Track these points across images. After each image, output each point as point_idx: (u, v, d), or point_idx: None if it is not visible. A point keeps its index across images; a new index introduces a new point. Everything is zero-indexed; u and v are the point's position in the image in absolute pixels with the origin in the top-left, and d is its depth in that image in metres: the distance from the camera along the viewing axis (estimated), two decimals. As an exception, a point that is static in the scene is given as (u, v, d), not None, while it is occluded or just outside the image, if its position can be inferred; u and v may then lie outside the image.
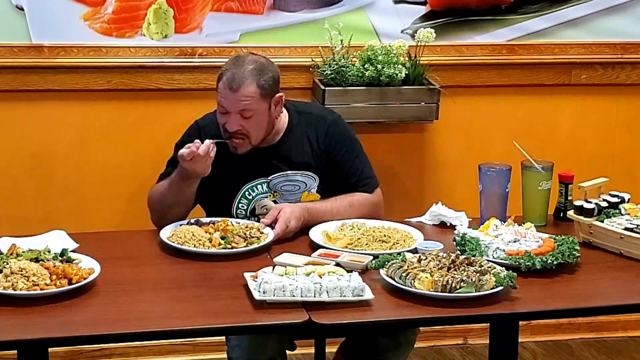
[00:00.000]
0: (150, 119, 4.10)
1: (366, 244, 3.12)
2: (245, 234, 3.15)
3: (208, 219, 3.26)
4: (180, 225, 3.21)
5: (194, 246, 3.08)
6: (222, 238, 3.10)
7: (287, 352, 3.34)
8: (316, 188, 3.47)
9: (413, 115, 4.09)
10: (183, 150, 3.22)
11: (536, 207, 3.39)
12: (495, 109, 4.37)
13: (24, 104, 4.00)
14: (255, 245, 3.11)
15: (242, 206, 3.44)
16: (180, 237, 3.11)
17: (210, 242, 3.09)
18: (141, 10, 3.98)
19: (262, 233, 3.19)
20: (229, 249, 3.08)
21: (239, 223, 3.25)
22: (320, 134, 3.47)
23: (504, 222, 3.20)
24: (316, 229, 3.23)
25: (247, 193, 3.44)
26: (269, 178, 3.43)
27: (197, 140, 3.22)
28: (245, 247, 3.10)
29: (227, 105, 3.31)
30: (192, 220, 3.24)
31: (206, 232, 3.15)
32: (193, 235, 3.11)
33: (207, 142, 3.21)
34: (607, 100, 4.45)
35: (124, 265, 3.01)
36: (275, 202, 3.43)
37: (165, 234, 3.16)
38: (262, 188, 3.44)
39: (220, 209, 3.42)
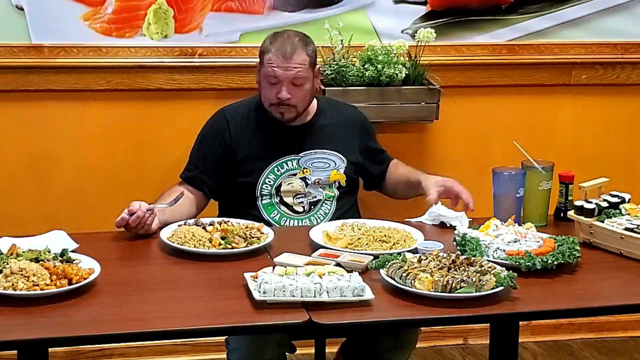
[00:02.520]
0: (150, 119, 4.10)
1: (366, 244, 3.12)
2: (245, 234, 3.15)
3: (208, 219, 3.26)
4: (180, 225, 3.21)
5: (194, 246, 3.07)
6: (222, 238, 3.10)
7: (287, 354, 3.34)
8: (343, 169, 3.57)
9: (413, 115, 4.09)
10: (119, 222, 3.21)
11: (536, 207, 3.39)
12: (495, 109, 4.37)
13: (24, 104, 4.00)
14: (255, 245, 3.11)
15: (269, 181, 3.50)
16: (181, 237, 3.10)
17: (210, 242, 3.09)
18: (141, 10, 3.99)
19: (262, 233, 3.18)
20: (229, 249, 3.08)
21: (239, 223, 3.25)
22: (356, 122, 3.65)
23: (504, 223, 3.20)
24: (316, 229, 3.23)
25: (275, 169, 3.51)
26: (300, 155, 3.52)
27: (125, 211, 3.20)
28: (245, 247, 3.09)
29: (280, 74, 3.43)
30: (191, 221, 3.23)
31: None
32: (193, 235, 3.10)
33: (140, 211, 3.18)
34: (607, 100, 4.45)
35: (124, 265, 3.01)
36: (304, 179, 3.52)
37: (166, 234, 3.16)
38: (292, 164, 3.52)
39: (245, 185, 3.50)
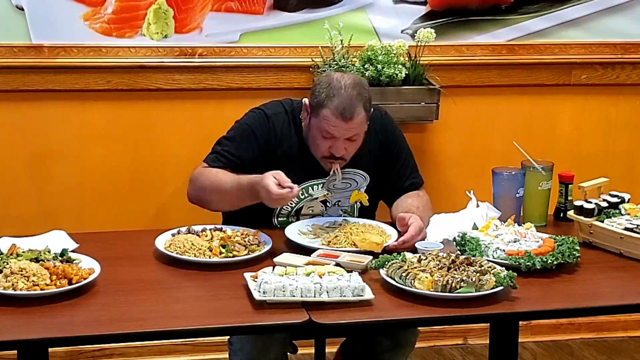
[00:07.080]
0: (150, 119, 4.10)
1: (345, 242, 3.13)
2: (244, 240, 3.11)
3: (200, 227, 3.19)
4: (173, 235, 3.15)
5: (195, 256, 3.01)
6: (223, 246, 3.06)
7: (289, 354, 3.34)
8: (365, 187, 3.45)
9: (413, 115, 4.09)
10: (276, 191, 3.09)
11: (536, 207, 3.40)
12: (495, 109, 4.37)
13: (24, 104, 4.00)
14: (257, 253, 3.06)
15: (290, 203, 3.36)
16: (180, 247, 3.04)
17: (211, 250, 3.04)
18: (141, 10, 3.98)
19: (259, 240, 3.14)
20: (230, 257, 3.03)
21: (233, 230, 3.19)
22: (374, 127, 3.42)
23: (504, 223, 3.20)
24: (290, 229, 3.22)
25: (300, 193, 3.35)
26: (326, 178, 3.39)
27: (292, 188, 3.09)
28: (247, 254, 3.05)
29: (337, 133, 3.25)
30: (183, 229, 3.18)
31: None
32: (192, 244, 3.05)
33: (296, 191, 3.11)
34: (607, 100, 4.45)
35: (124, 265, 3.01)
36: (325, 202, 3.41)
37: (161, 244, 3.09)
38: (317, 189, 3.40)
39: (262, 208, 3.27)
